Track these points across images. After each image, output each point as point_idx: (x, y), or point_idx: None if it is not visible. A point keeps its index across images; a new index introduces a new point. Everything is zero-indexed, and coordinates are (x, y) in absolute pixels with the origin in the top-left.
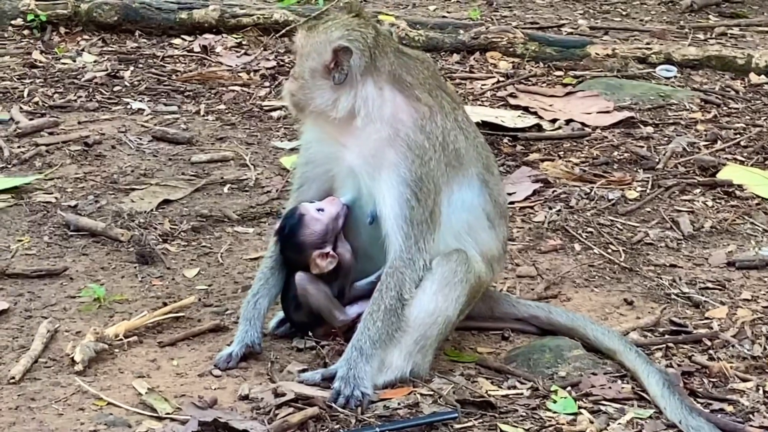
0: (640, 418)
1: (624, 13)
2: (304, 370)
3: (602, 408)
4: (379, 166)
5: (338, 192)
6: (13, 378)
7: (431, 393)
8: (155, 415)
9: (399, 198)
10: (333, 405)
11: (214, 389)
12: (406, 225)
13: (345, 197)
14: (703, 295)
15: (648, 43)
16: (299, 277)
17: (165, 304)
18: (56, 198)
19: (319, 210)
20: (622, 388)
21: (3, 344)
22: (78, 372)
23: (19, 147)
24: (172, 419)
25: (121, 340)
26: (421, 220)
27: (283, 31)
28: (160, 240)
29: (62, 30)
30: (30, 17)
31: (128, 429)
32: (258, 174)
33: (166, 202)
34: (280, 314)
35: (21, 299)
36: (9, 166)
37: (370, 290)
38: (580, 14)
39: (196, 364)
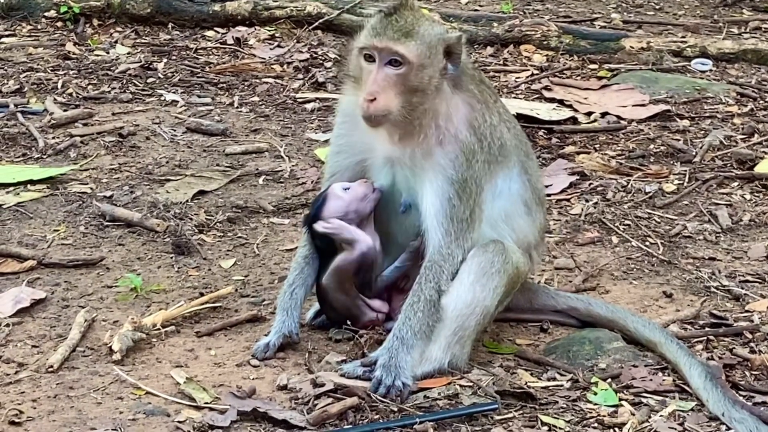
0: (682, 411)
1: (657, 7)
2: (343, 361)
3: (643, 400)
4: (426, 162)
5: (370, 179)
6: (52, 366)
7: (470, 384)
8: (194, 404)
9: (442, 196)
10: (373, 394)
11: (253, 379)
12: (447, 221)
13: (378, 183)
14: (743, 288)
15: (683, 37)
16: (324, 280)
17: (201, 294)
18: (91, 188)
19: (345, 189)
20: (664, 380)
21: (41, 333)
22: (116, 361)
23: (53, 138)
24: (211, 409)
25: (158, 329)
26: (462, 218)
27: (317, 23)
28: (196, 231)
29: (95, 22)
30: (63, 9)
31: (167, 418)
32: (293, 165)
33: (201, 193)
34: (317, 305)
35: (58, 289)
36: (44, 156)
37: (397, 278)
38: (613, 8)
39: (234, 354)
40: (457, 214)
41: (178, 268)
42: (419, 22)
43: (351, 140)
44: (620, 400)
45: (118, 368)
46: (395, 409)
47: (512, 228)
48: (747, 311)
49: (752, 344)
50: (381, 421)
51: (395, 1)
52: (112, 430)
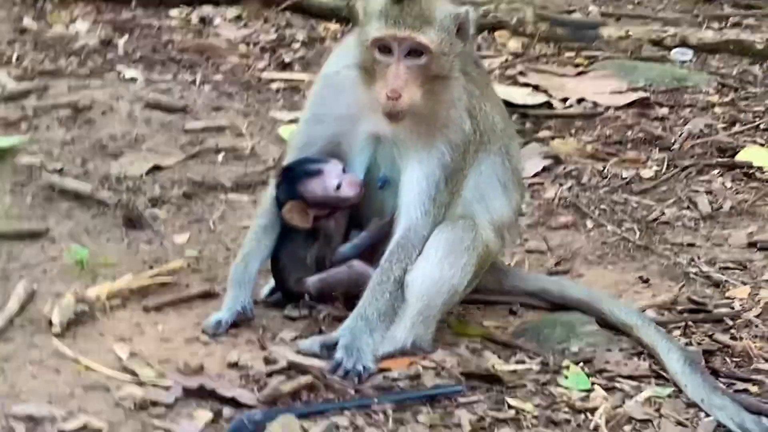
0: (659, 397)
1: (636, 1)
2: (297, 337)
3: (617, 385)
4: (422, 146)
5: (348, 154)
6: None
7: (434, 366)
8: (136, 380)
9: (429, 178)
10: (331, 376)
11: (202, 355)
12: (429, 202)
13: (358, 162)
14: (723, 275)
15: (663, 26)
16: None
17: (152, 269)
18: (41, 161)
19: (337, 186)
20: (639, 365)
21: None
22: (56, 334)
23: (5, 109)
24: (155, 385)
25: (103, 303)
26: (443, 202)
27: (285, 4)
28: (149, 205)
29: None
30: None
31: (107, 393)
32: (255, 143)
33: (157, 168)
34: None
35: None
36: None
37: (355, 256)
38: (591, 0)
39: (183, 329)
40: (439, 198)
41: (129, 242)
42: (432, 3)
43: (331, 111)
44: (593, 384)
45: (58, 341)
46: (352, 390)
47: (486, 207)
48: (727, 298)
49: (733, 330)
50: (337, 401)
51: None
52: (47, 403)
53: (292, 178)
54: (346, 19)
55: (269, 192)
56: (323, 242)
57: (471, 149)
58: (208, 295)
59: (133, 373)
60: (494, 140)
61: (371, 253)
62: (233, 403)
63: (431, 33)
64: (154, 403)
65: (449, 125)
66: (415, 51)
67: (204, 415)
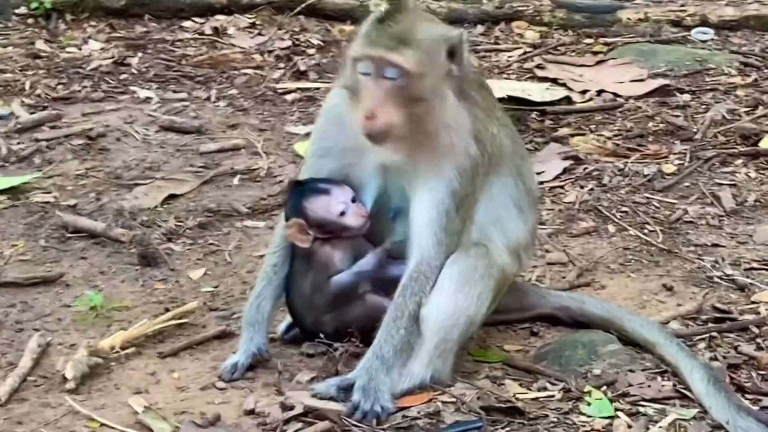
0: (683, 419)
1: None
2: (314, 379)
3: (641, 409)
4: (430, 174)
5: (358, 186)
6: None
7: (453, 400)
8: None
9: (440, 206)
10: (347, 419)
11: (218, 404)
12: (441, 232)
13: (368, 193)
14: (748, 277)
15: (682, 5)
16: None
17: (167, 310)
18: (55, 197)
19: (342, 212)
20: (663, 385)
21: None
22: (69, 390)
23: (18, 143)
24: None
25: (117, 352)
26: (454, 230)
27: (298, 9)
28: (164, 239)
29: (68, 17)
30: (34, 5)
31: None
32: (270, 163)
33: (172, 196)
34: (290, 317)
35: (12, 310)
36: (7, 164)
37: (354, 285)
38: None
39: (199, 375)
40: (451, 226)
41: (144, 281)
42: (416, 25)
43: (337, 144)
44: (616, 410)
45: (72, 398)
46: None
47: (502, 230)
48: (753, 302)
49: (758, 340)
50: None
51: (391, 3)
52: None
53: (300, 193)
54: (361, 20)
55: (280, 227)
56: (319, 269)
57: (480, 172)
58: (224, 336)
59: (149, 429)
60: (504, 163)
61: (387, 284)
62: None
63: (408, 54)
64: None
65: (454, 151)
66: (392, 72)
67: None
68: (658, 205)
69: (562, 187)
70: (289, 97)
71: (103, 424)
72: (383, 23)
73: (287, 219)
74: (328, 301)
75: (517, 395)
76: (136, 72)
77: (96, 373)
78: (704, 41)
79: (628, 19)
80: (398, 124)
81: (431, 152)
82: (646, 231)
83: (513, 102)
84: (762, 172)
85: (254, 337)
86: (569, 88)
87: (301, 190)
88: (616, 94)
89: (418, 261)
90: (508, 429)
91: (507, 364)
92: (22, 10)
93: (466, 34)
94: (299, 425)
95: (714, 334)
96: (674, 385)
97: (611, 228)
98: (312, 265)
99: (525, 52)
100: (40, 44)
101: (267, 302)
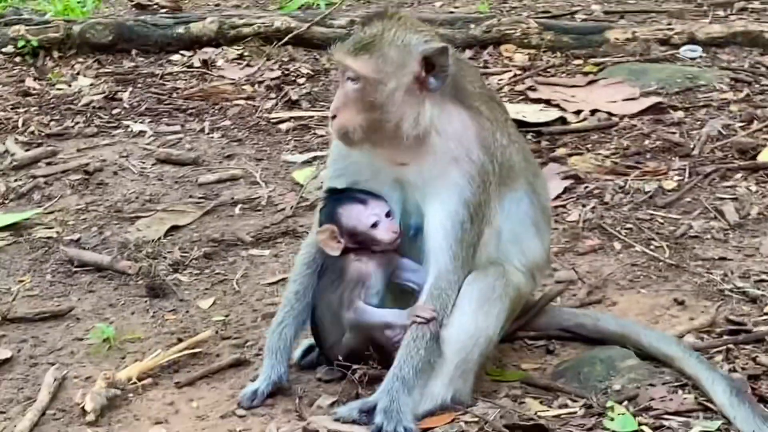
0: (709, 431)
1: None
2: (335, 403)
3: (665, 423)
4: (439, 184)
5: None
6: None
7: (476, 419)
8: None
9: (454, 218)
10: None
11: (240, 431)
12: (456, 245)
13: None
14: (759, 289)
15: (669, 24)
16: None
17: (180, 340)
18: (57, 232)
19: (374, 223)
20: (685, 398)
21: (7, 397)
22: (90, 422)
23: (16, 180)
24: None
25: (134, 383)
26: (470, 242)
27: (286, 39)
28: (171, 270)
29: (55, 54)
30: (21, 43)
31: None
32: (270, 191)
33: (175, 228)
34: (306, 342)
35: (25, 345)
36: (6, 201)
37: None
38: None
39: (218, 404)
40: (466, 238)
41: (154, 312)
42: (386, 33)
43: (351, 162)
44: (640, 424)
45: (92, 430)
46: None
47: (521, 249)
48: (766, 314)
49: None
50: None
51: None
52: None
53: (336, 200)
54: None
55: (302, 255)
56: (350, 283)
57: (492, 180)
58: (239, 364)
59: None
60: (515, 176)
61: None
62: None
63: (365, 59)
64: None
65: (458, 157)
66: (352, 75)
67: None
68: (662, 221)
69: (564, 206)
70: (283, 126)
71: None
72: (362, 29)
73: (320, 224)
74: (351, 322)
75: (539, 413)
76: (127, 106)
77: (114, 405)
78: (693, 59)
79: (616, 38)
80: (356, 126)
81: (432, 160)
82: (652, 247)
83: None
84: (762, 185)
85: (275, 365)
86: (563, 109)
87: (338, 197)
88: (610, 113)
89: (436, 277)
90: None
91: (525, 382)
92: (9, 48)
93: (451, 48)
94: None
95: (731, 346)
96: (696, 398)
97: (617, 245)
98: (344, 278)
99: (515, 75)
100: (29, 82)
101: (289, 329)
